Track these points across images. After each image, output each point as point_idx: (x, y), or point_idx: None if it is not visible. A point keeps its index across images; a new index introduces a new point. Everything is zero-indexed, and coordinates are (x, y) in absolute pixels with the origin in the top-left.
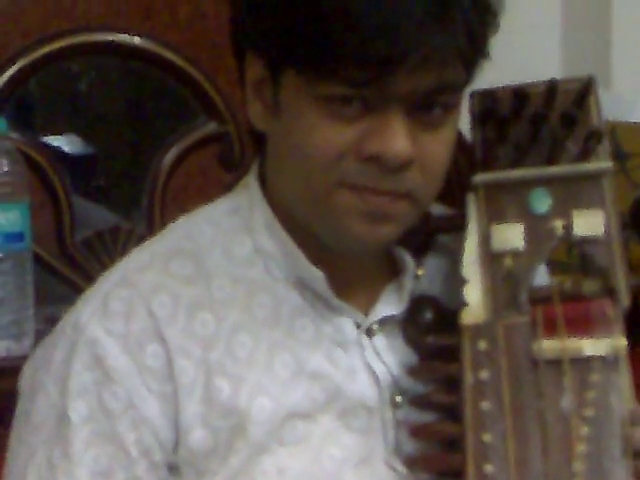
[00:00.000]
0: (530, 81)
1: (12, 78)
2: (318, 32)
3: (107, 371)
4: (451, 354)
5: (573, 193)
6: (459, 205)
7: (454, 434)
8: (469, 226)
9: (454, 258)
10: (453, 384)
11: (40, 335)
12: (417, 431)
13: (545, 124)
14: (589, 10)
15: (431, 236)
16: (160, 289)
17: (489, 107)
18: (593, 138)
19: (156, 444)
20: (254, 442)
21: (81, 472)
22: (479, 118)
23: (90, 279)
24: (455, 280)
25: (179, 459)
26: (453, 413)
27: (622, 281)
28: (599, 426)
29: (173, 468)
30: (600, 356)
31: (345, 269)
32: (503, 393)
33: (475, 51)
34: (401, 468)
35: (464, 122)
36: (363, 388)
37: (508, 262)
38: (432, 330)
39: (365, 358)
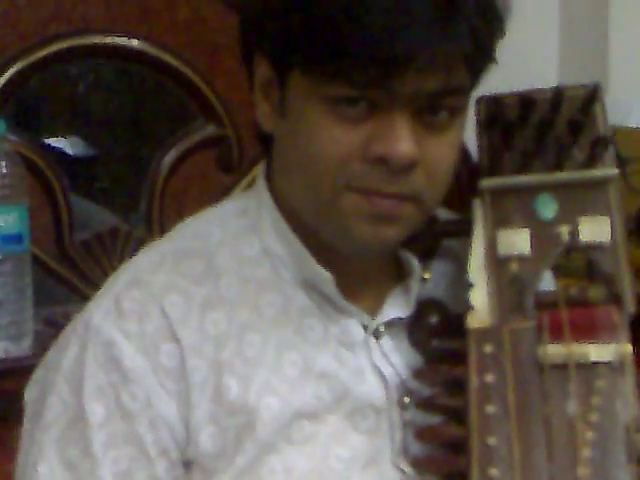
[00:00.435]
0: (527, 85)
1: (11, 80)
2: (324, 33)
3: (124, 372)
4: (457, 357)
5: (579, 199)
6: (465, 210)
7: (459, 437)
8: (475, 231)
9: (460, 262)
10: (458, 387)
11: (39, 336)
12: (422, 433)
13: (551, 130)
14: (587, 14)
15: (437, 240)
16: (172, 289)
17: (495, 113)
18: (599, 145)
19: (172, 443)
20: (262, 441)
21: (104, 471)
22: (485, 124)
23: (89, 281)
24: (461, 284)
25: (189, 457)
26: (458, 416)
27: (628, 287)
28: (604, 431)
29: (185, 466)
30: (606, 362)
31: (352, 271)
32: (508, 397)
33: (480, 55)
34: (408, 469)
35: (469, 128)
36: (371, 389)
37: (514, 267)
38: (438, 333)
39: (372, 359)
